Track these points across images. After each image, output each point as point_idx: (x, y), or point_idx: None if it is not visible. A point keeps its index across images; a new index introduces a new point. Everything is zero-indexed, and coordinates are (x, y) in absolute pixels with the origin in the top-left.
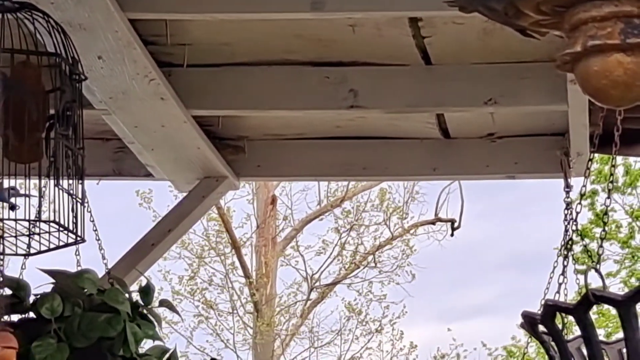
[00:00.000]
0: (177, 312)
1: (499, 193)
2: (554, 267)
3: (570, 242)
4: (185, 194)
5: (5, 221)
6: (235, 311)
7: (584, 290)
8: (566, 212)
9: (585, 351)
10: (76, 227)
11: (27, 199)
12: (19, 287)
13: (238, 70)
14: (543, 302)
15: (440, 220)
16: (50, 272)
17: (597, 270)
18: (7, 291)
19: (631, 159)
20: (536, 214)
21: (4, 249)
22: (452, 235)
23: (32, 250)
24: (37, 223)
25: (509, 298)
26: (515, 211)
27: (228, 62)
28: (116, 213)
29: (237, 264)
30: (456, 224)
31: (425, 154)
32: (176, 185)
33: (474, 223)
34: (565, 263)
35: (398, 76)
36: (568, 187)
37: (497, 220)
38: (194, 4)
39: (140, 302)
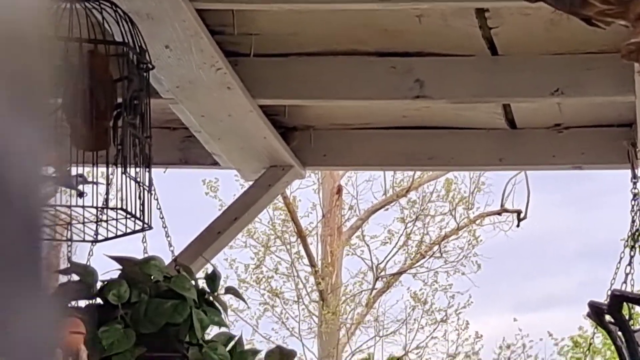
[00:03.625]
0: (243, 299)
1: (568, 184)
2: (621, 258)
3: (637, 233)
4: (251, 183)
5: (73, 208)
6: (300, 300)
7: None
8: (633, 203)
9: None
10: (143, 214)
11: (95, 186)
12: (87, 273)
13: (305, 60)
14: (610, 292)
15: (507, 211)
16: (118, 259)
17: None
18: (75, 277)
19: None
20: (608, 205)
21: (71, 236)
22: (518, 226)
23: (100, 237)
24: (105, 210)
25: (577, 289)
26: (587, 202)
27: (295, 52)
28: (183, 202)
29: (303, 253)
30: (522, 215)
31: (491, 144)
32: (242, 174)
33: (543, 214)
34: (632, 254)
35: (464, 66)
36: (635, 178)
37: (565, 211)
38: None
39: (207, 289)
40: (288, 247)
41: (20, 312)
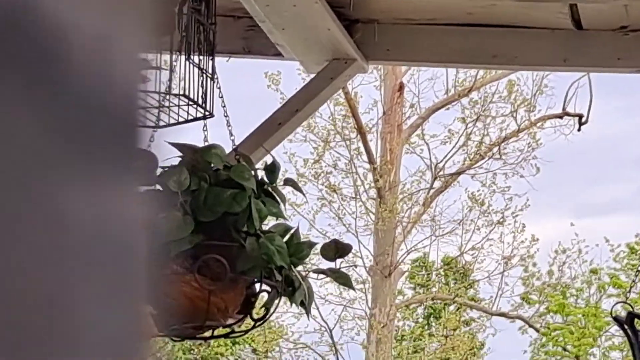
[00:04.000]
0: (302, 192)
1: (632, 90)
2: None
3: None
4: (313, 75)
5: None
6: (358, 196)
7: None
8: None
9: None
10: (205, 102)
11: (158, 71)
12: (147, 158)
13: None
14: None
15: (568, 114)
16: (178, 146)
17: None
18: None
19: None
20: None
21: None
22: (579, 130)
23: (161, 123)
24: (167, 96)
25: (637, 196)
26: None
27: None
28: (245, 93)
29: (362, 149)
30: (584, 119)
31: (555, 44)
32: (305, 65)
33: (605, 120)
34: None
35: None
36: None
37: (629, 117)
38: None
39: (266, 179)
40: (347, 143)
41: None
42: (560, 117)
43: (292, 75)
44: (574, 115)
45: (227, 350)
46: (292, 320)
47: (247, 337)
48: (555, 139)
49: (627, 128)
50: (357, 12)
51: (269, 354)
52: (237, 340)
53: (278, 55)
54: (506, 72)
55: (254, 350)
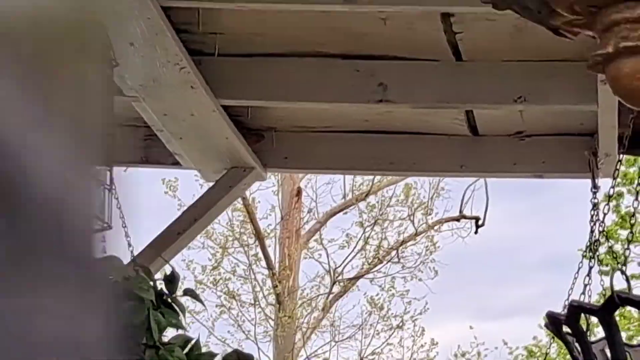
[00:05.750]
0: (202, 302)
1: (530, 192)
2: (579, 268)
3: (595, 244)
4: (212, 184)
5: None
6: (257, 302)
7: (608, 292)
8: (592, 213)
9: (609, 353)
10: (103, 213)
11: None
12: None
13: (269, 61)
14: (567, 303)
15: (465, 217)
16: None
17: (623, 272)
18: None
19: None
20: (570, 214)
21: None
22: (476, 232)
23: None
24: None
25: (535, 299)
26: (548, 212)
27: (259, 52)
28: (142, 201)
29: (261, 255)
30: (480, 222)
31: (453, 150)
32: (203, 174)
33: (503, 223)
34: (591, 264)
35: (428, 71)
36: (595, 187)
37: (527, 220)
38: None
39: (165, 290)
40: (246, 249)
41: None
42: (458, 220)
43: (190, 181)
44: (470, 218)
45: None
46: None
47: None
48: (453, 242)
49: (524, 231)
50: (255, 120)
51: None
52: None
53: (176, 164)
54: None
55: None
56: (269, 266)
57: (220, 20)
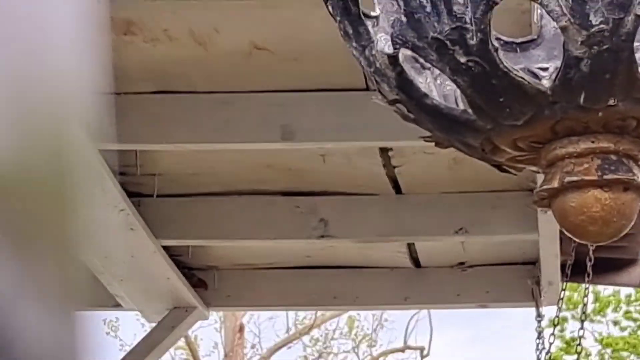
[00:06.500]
0: None
1: (476, 320)
2: None
3: None
4: (154, 324)
5: None
6: None
7: None
8: (538, 341)
9: None
10: None
11: None
12: None
13: (208, 200)
14: None
15: (410, 348)
16: None
17: None
18: None
19: (600, 286)
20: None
21: None
22: None
23: None
24: None
25: None
26: (495, 339)
27: (198, 192)
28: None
29: None
30: (425, 352)
31: (396, 283)
32: (145, 315)
33: (449, 351)
34: None
35: (368, 206)
36: (539, 316)
37: (473, 348)
38: (164, 134)
39: None
40: None
41: None
42: (402, 350)
43: (132, 322)
44: (415, 349)
45: None
46: None
47: None
48: None
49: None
50: (196, 259)
51: None
52: None
53: (118, 306)
54: None
55: None
56: None
57: (158, 161)
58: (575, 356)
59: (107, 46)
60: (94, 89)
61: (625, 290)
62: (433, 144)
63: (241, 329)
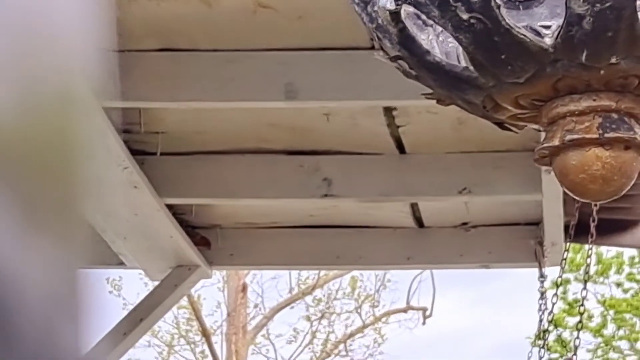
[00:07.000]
0: None
1: (479, 281)
2: (529, 358)
3: (544, 332)
4: (157, 283)
5: None
6: None
7: None
8: (540, 302)
9: None
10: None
11: None
12: None
13: (211, 159)
14: None
15: (412, 308)
16: None
17: None
18: None
19: (602, 248)
20: (519, 302)
21: None
22: (423, 324)
23: None
24: None
25: None
26: (498, 300)
27: (201, 150)
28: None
29: (208, 352)
30: (428, 313)
31: (399, 243)
32: (148, 273)
33: (452, 312)
34: (541, 354)
35: (372, 165)
36: (542, 276)
37: (476, 310)
38: (168, 92)
39: None
40: (192, 346)
41: None
42: (405, 311)
43: (134, 280)
44: (418, 309)
45: None
46: None
47: None
48: (401, 334)
49: (472, 320)
50: (199, 218)
51: None
52: None
53: (121, 264)
54: None
55: None
56: None
57: (161, 119)
58: (578, 317)
59: (111, 3)
60: (98, 46)
61: (628, 252)
62: (435, 102)
63: (244, 288)
